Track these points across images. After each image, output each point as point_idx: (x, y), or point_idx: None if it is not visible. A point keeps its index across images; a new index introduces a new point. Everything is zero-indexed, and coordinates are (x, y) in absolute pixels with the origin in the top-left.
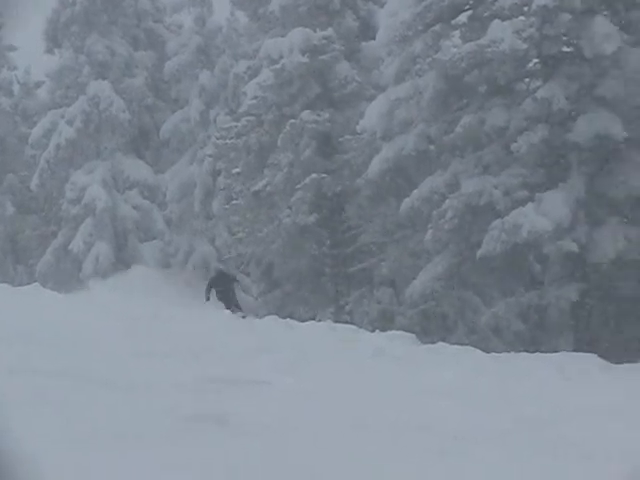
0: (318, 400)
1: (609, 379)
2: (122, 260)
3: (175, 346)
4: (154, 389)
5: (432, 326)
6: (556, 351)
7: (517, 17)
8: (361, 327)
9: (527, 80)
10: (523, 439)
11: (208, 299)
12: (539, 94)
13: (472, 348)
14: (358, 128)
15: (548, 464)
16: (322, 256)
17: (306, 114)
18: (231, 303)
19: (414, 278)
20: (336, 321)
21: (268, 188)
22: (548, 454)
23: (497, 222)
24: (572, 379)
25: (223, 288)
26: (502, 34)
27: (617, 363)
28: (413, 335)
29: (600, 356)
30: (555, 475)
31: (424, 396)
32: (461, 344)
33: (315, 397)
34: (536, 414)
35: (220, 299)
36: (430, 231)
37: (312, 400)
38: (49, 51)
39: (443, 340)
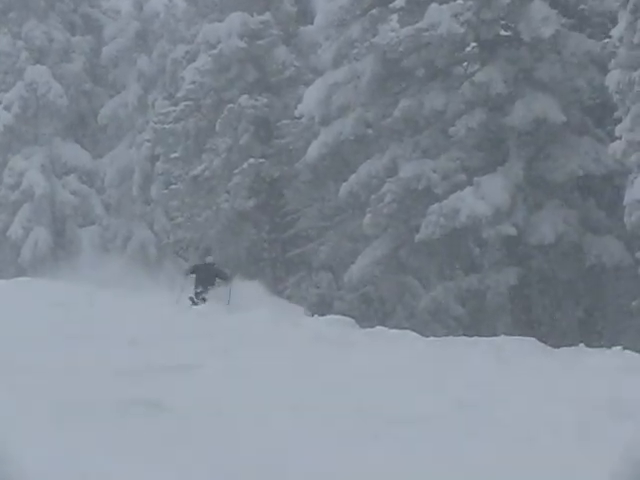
0: (252, 383)
1: (547, 362)
2: (61, 245)
3: (112, 332)
4: (90, 374)
5: (371, 310)
6: (495, 335)
7: (455, 1)
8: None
9: (465, 64)
10: (458, 422)
11: (187, 275)
12: (477, 78)
13: (411, 332)
14: (296, 113)
15: (482, 447)
16: (260, 241)
17: (244, 99)
18: (202, 292)
19: (353, 263)
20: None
21: (206, 173)
22: (483, 437)
23: (436, 206)
24: (509, 362)
25: (204, 277)
26: (440, 18)
27: (556, 347)
28: (352, 319)
29: (539, 340)
30: (489, 457)
31: (361, 380)
32: (400, 328)
33: (249, 380)
34: (471, 397)
35: (196, 285)
36: (369, 215)
37: (246, 383)
38: None
39: (382, 324)
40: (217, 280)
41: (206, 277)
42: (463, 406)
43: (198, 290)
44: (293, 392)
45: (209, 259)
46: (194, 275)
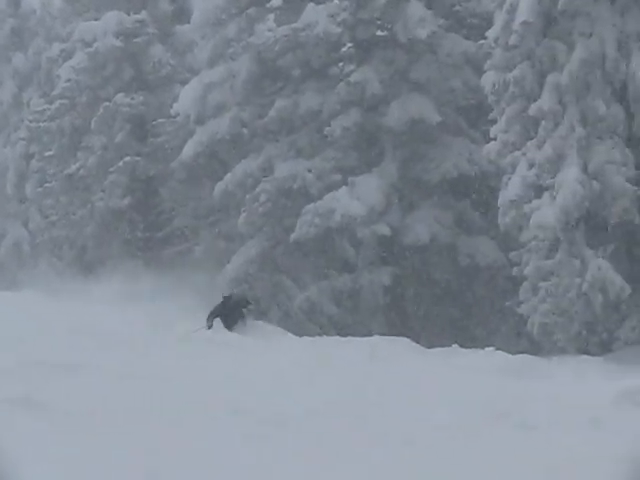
0: (138, 384)
1: (420, 362)
2: None
3: None
4: None
5: None
6: (369, 335)
7: (332, 1)
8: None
9: (341, 64)
10: (328, 422)
11: (210, 327)
12: (353, 78)
13: (285, 332)
14: (172, 111)
15: (351, 446)
16: (135, 240)
17: (120, 97)
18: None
19: (228, 262)
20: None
21: (81, 171)
22: (355, 438)
23: (310, 206)
24: (382, 362)
25: (229, 313)
26: (316, 17)
27: (430, 347)
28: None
29: (412, 340)
30: (356, 456)
31: (236, 380)
32: (274, 327)
33: (135, 381)
34: (342, 397)
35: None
36: (243, 214)
37: (132, 384)
38: None
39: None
40: (246, 310)
41: (232, 317)
42: (334, 405)
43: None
44: (176, 393)
45: (225, 292)
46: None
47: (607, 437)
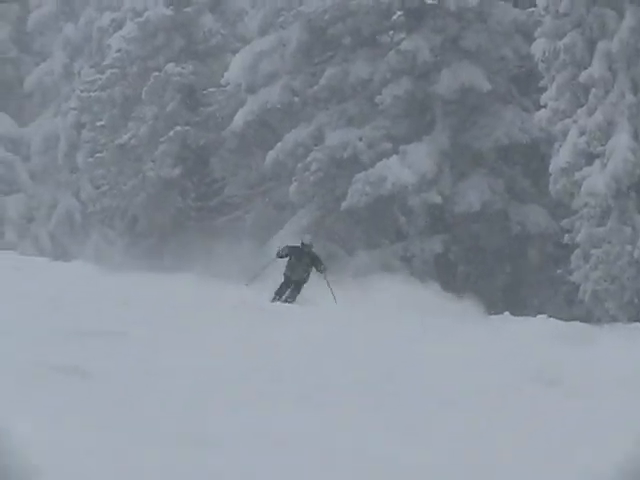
0: (173, 352)
1: (473, 330)
2: None
3: (37, 298)
4: (14, 338)
5: None
6: None
7: None
8: (226, 279)
9: (391, 32)
10: (388, 388)
11: (281, 256)
12: (403, 46)
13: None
14: (222, 81)
15: (410, 410)
16: (187, 209)
17: (170, 67)
18: (295, 285)
19: (279, 230)
20: (200, 275)
21: (132, 141)
22: (410, 401)
23: (361, 174)
24: (433, 328)
25: (300, 266)
26: None
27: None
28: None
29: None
30: (416, 420)
31: (299, 346)
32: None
33: (171, 349)
34: (392, 361)
35: (286, 274)
36: (295, 184)
37: (167, 351)
38: None
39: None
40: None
41: (300, 266)
42: (393, 372)
43: (287, 288)
44: (217, 360)
45: (306, 238)
46: (287, 259)
47: None
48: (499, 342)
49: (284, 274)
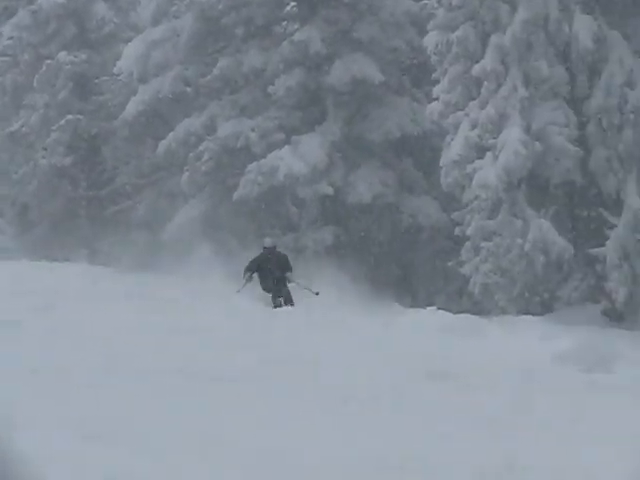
0: (70, 340)
1: (364, 321)
2: None
3: None
4: None
5: (188, 268)
6: None
7: None
8: (116, 269)
9: (285, 23)
10: (278, 379)
11: (249, 279)
12: (296, 37)
13: (227, 291)
14: (115, 70)
15: (301, 404)
16: (78, 198)
17: (63, 55)
18: (281, 293)
19: (170, 220)
20: (91, 263)
21: (24, 129)
22: (302, 394)
23: (254, 165)
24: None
25: (273, 271)
26: None
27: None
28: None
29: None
30: (309, 415)
31: (178, 337)
32: (218, 287)
33: (67, 337)
34: (288, 355)
35: (265, 287)
36: (186, 173)
37: (64, 340)
38: None
39: (200, 283)
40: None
41: (275, 273)
42: (280, 364)
43: (272, 294)
44: (109, 349)
45: (267, 242)
46: (260, 272)
47: (542, 394)
48: (389, 334)
49: (263, 290)
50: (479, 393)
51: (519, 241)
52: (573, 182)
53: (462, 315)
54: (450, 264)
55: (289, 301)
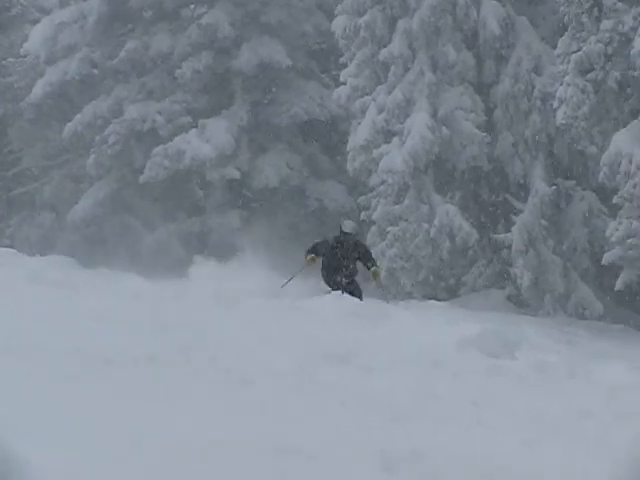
0: None
1: (264, 304)
2: None
3: None
4: None
5: (94, 251)
6: None
7: None
8: (21, 251)
9: (192, 6)
10: (173, 362)
11: (312, 259)
12: (204, 20)
13: (132, 274)
14: (22, 51)
15: (203, 388)
16: None
17: None
18: (348, 288)
19: (76, 203)
20: None
21: None
22: (203, 378)
23: (160, 148)
24: (226, 302)
25: (343, 261)
26: None
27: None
28: (73, 260)
29: None
30: (210, 399)
31: (78, 320)
32: (123, 269)
33: None
34: (188, 339)
35: (328, 279)
36: (93, 156)
37: None
38: None
39: (106, 265)
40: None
41: (342, 263)
42: (178, 346)
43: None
44: (5, 333)
45: (348, 226)
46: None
47: (445, 379)
48: (292, 318)
49: (325, 282)
50: (381, 377)
51: (425, 226)
52: (480, 167)
53: (368, 299)
54: None
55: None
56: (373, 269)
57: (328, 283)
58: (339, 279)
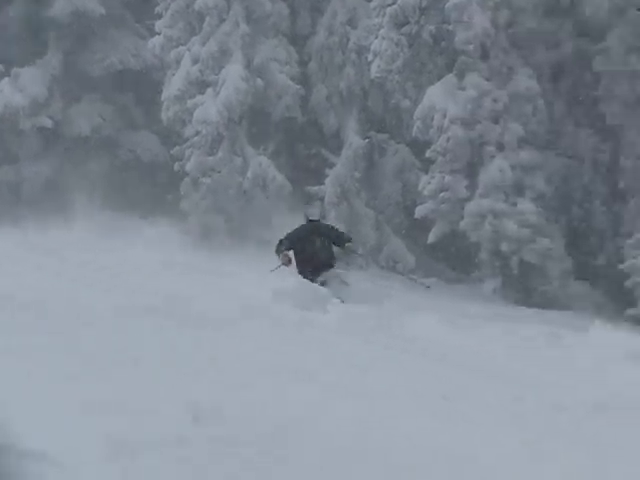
0: None
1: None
2: None
3: None
4: None
5: None
6: None
7: None
8: None
9: None
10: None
11: (286, 256)
12: None
13: None
14: None
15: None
16: None
17: None
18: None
19: None
20: None
21: None
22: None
23: None
24: None
25: (317, 250)
26: None
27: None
28: None
29: None
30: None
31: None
32: None
33: None
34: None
35: (303, 269)
36: None
37: None
38: None
39: None
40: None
41: (317, 250)
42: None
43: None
44: None
45: (313, 213)
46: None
47: (261, 329)
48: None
49: (299, 273)
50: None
51: (238, 178)
52: (294, 120)
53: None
54: (170, 197)
55: (341, 295)
56: (347, 245)
57: (302, 274)
58: (313, 268)
